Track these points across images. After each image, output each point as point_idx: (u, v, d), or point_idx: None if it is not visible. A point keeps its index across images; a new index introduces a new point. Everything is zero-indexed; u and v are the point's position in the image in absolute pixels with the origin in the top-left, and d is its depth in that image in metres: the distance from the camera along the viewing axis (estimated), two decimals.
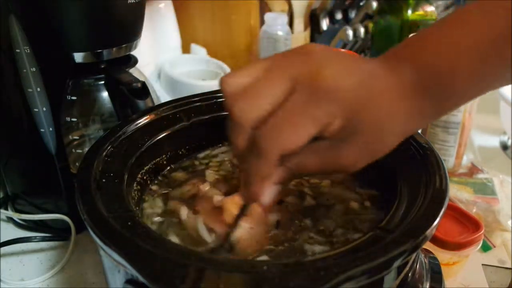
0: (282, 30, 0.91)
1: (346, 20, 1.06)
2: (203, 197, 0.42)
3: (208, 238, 0.37)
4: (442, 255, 0.48)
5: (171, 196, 0.43)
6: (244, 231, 0.37)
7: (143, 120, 0.45)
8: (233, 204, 0.39)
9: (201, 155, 0.49)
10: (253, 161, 0.30)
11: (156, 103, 0.53)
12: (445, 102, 0.31)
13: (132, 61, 0.58)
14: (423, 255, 0.39)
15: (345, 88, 0.29)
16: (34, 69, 0.48)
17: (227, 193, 0.42)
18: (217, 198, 0.41)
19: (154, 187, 0.44)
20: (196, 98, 0.50)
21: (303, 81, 0.28)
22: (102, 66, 0.55)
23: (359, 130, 0.30)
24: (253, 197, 0.32)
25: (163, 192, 0.43)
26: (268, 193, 0.32)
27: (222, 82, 0.31)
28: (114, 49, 0.52)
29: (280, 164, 0.31)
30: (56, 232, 0.58)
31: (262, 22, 0.94)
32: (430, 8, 0.76)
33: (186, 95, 0.51)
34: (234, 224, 0.36)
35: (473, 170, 0.71)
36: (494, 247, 0.56)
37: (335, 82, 0.28)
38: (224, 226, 0.37)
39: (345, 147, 0.30)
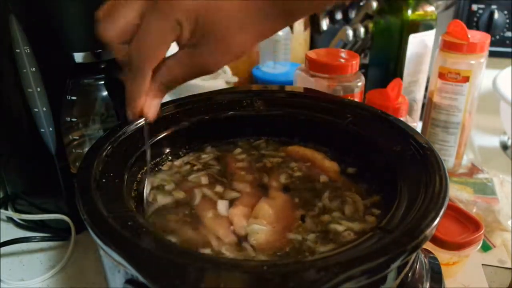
0: (282, 30, 0.91)
1: (346, 20, 1.06)
2: (205, 204, 0.41)
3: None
4: (442, 255, 0.48)
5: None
6: (264, 233, 0.37)
7: (143, 120, 0.45)
8: (241, 216, 0.39)
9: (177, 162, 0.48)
10: (131, 79, 0.35)
11: None
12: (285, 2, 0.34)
13: None
14: (423, 255, 0.39)
15: None
16: (34, 69, 0.48)
17: (225, 194, 0.42)
18: (222, 206, 0.40)
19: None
20: (196, 98, 0.50)
21: (150, 1, 0.33)
22: (102, 66, 0.55)
23: (207, 31, 0.33)
24: (138, 113, 0.36)
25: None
26: (151, 107, 0.36)
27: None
28: None
29: (155, 78, 0.35)
30: (56, 232, 0.58)
31: None
32: (430, 8, 0.76)
33: (186, 95, 0.51)
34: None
35: (473, 170, 0.71)
36: (494, 247, 0.56)
37: None
38: (234, 236, 0.37)
39: (203, 49, 0.34)
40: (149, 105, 0.36)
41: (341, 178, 0.44)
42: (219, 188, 0.43)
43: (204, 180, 0.44)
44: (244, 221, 0.38)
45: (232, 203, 0.41)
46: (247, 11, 0.34)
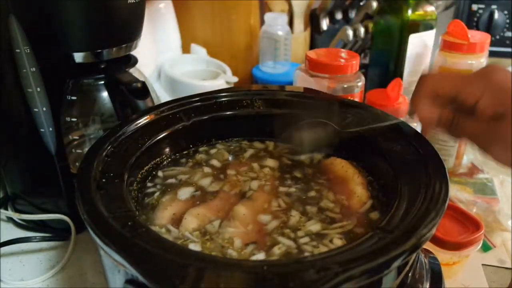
0: (282, 30, 0.91)
1: (346, 20, 1.06)
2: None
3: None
4: (442, 255, 0.48)
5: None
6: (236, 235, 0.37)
7: (143, 120, 0.45)
8: (192, 217, 0.38)
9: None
10: None
11: (156, 103, 0.53)
12: None
13: (132, 61, 0.58)
14: (423, 255, 0.39)
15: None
16: (34, 69, 0.48)
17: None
18: (182, 193, 0.42)
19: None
20: (196, 98, 0.50)
21: None
22: (102, 66, 0.55)
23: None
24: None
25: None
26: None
27: None
28: (114, 49, 0.52)
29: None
30: (56, 232, 0.58)
31: (262, 22, 0.94)
32: (430, 8, 0.76)
33: (186, 95, 0.51)
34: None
35: (473, 170, 0.71)
36: (494, 247, 0.56)
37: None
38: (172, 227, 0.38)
39: (498, 126, 0.34)
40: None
41: (362, 220, 0.39)
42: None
43: (202, 178, 0.45)
44: (193, 222, 0.38)
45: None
46: None
